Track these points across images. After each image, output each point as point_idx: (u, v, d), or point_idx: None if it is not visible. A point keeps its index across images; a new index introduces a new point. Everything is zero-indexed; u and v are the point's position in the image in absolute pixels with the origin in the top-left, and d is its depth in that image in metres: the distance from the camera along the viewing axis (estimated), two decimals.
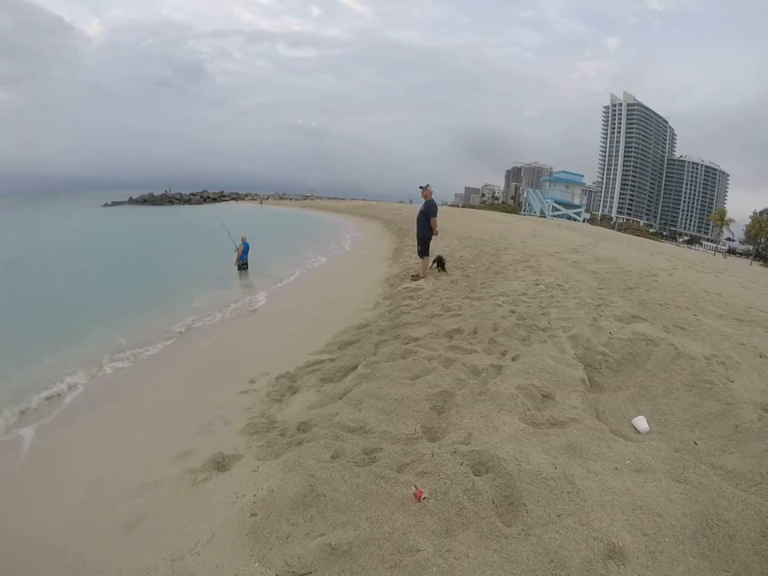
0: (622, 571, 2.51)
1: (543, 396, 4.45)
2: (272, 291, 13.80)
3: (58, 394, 6.75)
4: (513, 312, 7.02)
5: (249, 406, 5.52)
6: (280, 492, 3.21)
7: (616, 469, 3.35)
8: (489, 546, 2.66)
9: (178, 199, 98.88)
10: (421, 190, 11.37)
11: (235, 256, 16.49)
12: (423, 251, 11.85)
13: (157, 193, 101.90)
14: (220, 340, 9.20)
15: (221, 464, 4.12)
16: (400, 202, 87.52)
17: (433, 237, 11.86)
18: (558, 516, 2.86)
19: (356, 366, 5.84)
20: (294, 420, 4.68)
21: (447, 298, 9.01)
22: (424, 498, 2.96)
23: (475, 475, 3.19)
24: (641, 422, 4.35)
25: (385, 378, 5.03)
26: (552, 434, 3.80)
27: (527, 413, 4.15)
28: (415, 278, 11.71)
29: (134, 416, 5.93)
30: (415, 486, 3.05)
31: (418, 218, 11.85)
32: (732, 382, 5.08)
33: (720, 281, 13.92)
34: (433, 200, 11.59)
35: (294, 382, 6.12)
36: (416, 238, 12.25)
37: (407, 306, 8.84)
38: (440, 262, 12.22)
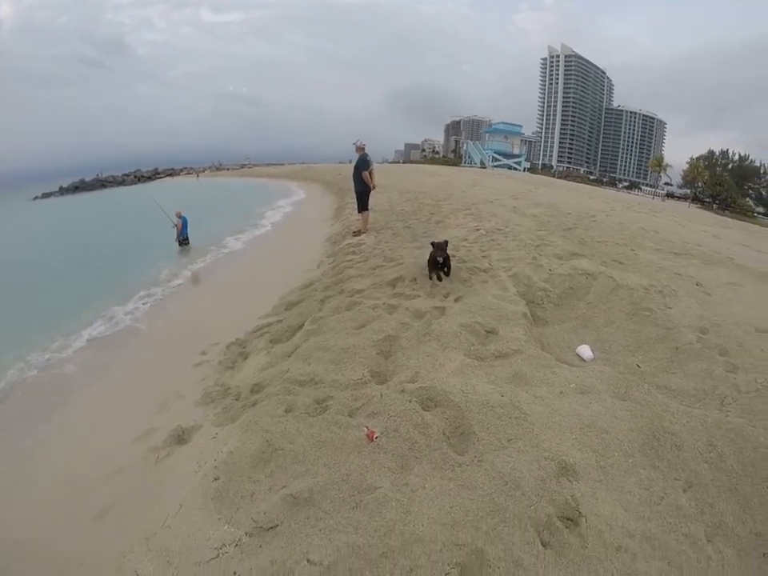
0: (575, 486, 2.65)
1: (487, 332, 4.57)
2: (215, 262, 13.49)
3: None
4: (454, 256, 7.11)
5: (203, 377, 5.44)
6: (239, 453, 3.20)
7: (561, 392, 3.51)
8: (444, 475, 2.75)
9: (110, 182, 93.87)
10: (353, 146, 11.37)
11: (175, 232, 15.94)
12: (361, 206, 11.84)
13: (88, 178, 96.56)
14: (167, 317, 8.96)
15: (181, 437, 4.07)
16: (340, 163, 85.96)
17: (372, 191, 11.82)
18: (509, 440, 2.98)
19: (302, 324, 5.82)
20: (247, 383, 4.65)
21: (389, 249, 9.03)
22: (376, 438, 3.02)
23: (424, 410, 3.27)
24: (585, 351, 4.56)
25: (331, 331, 5.05)
26: (497, 366, 3.93)
27: (472, 348, 4.26)
28: (357, 233, 11.70)
29: (90, 406, 5.75)
30: (367, 428, 3.11)
31: (353, 175, 11.82)
32: (670, 308, 5.37)
33: (658, 220, 14.56)
34: (365, 154, 11.51)
35: (244, 347, 6.07)
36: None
37: (350, 261, 8.82)
38: (443, 265, 6.36)
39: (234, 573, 2.37)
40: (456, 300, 5.47)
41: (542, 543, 2.34)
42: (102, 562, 2.92)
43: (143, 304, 9.80)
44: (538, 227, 9.61)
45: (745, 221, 37.52)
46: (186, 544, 2.66)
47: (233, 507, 2.81)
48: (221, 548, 2.53)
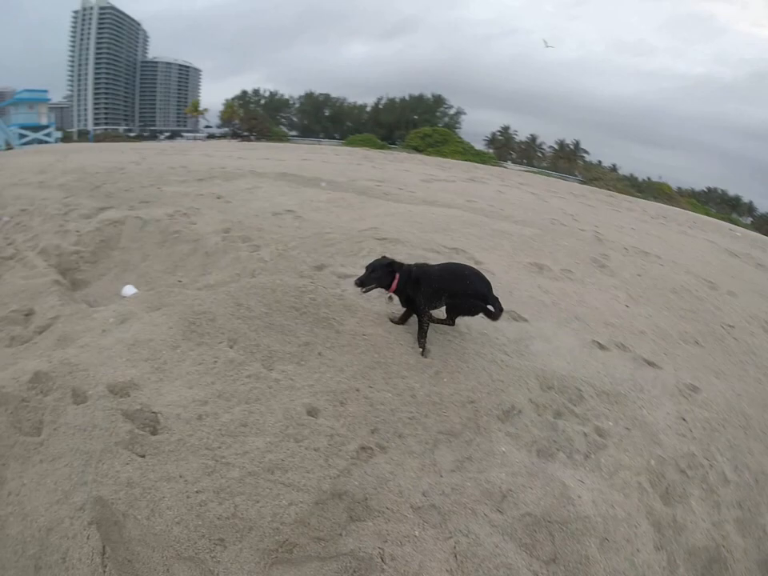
0: (141, 395, 2.94)
1: (26, 315, 4.34)
2: None
3: None
4: None
5: None
6: None
7: (103, 331, 3.69)
8: (33, 461, 2.64)
9: None
10: None
11: None
12: None
13: None
14: None
15: None
16: None
17: None
18: (71, 398, 2.98)
19: None
20: None
21: None
22: None
23: None
24: (127, 290, 4.80)
25: None
26: (41, 340, 3.85)
27: (13, 337, 4.01)
28: None
29: None
30: None
31: None
32: (195, 224, 5.99)
33: (187, 157, 15.38)
34: None
35: None
36: None
37: None
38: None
39: None
40: None
41: (140, 456, 2.57)
42: None
43: None
44: (65, 195, 9.05)
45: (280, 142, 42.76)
46: None
47: None
48: None
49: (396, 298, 3.90)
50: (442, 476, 2.75)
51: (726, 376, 4.36)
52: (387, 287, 3.65)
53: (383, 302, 4.19)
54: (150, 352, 3.35)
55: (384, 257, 3.73)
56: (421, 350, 3.68)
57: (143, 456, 2.58)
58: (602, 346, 4.22)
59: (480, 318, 3.87)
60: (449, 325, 3.91)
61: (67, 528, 2.24)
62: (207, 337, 3.53)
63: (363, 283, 3.57)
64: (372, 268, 3.61)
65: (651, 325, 4.88)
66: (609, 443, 3.18)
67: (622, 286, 5.75)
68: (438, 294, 3.63)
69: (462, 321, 4.00)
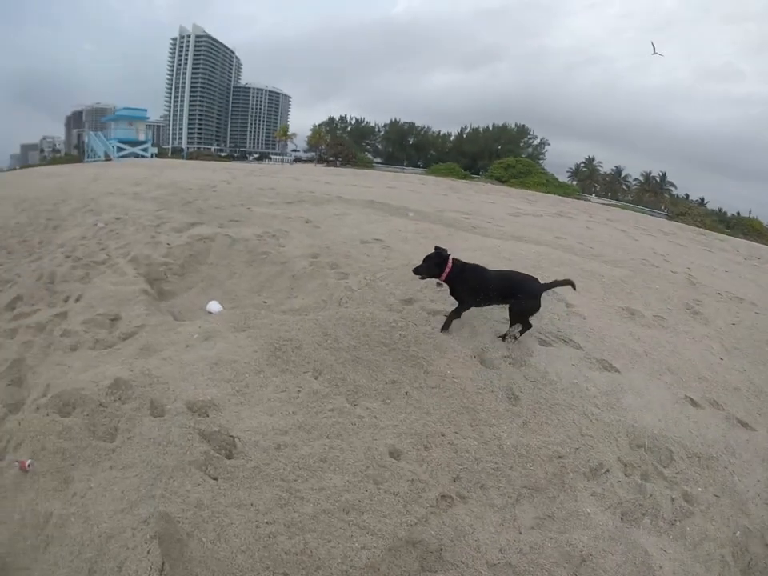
0: (220, 417, 2.93)
1: (111, 320, 4.50)
2: None
3: None
4: (68, 257, 6.64)
5: None
6: None
7: (187, 346, 3.72)
8: (104, 466, 2.67)
9: None
10: None
11: None
12: None
13: None
14: None
15: None
16: None
17: None
18: (156, 408, 3.02)
19: None
20: None
21: (4, 271, 7.91)
22: (29, 466, 2.76)
23: (63, 417, 3.08)
24: (213, 306, 4.85)
25: None
26: (125, 346, 3.93)
27: (98, 340, 4.15)
28: None
29: None
30: (17, 462, 2.80)
31: None
32: (283, 246, 6.06)
33: (275, 180, 15.95)
34: None
35: None
36: None
37: None
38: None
39: None
40: (77, 300, 5.17)
41: (213, 478, 2.54)
42: None
43: None
44: (158, 208, 9.56)
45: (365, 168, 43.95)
46: None
47: None
48: None
49: (446, 287, 4.25)
50: (521, 533, 2.58)
51: None
52: (438, 276, 4.04)
53: (474, 344, 4.02)
54: (232, 373, 3.33)
55: (438, 248, 4.11)
56: (444, 328, 4.12)
57: (216, 479, 2.55)
58: (694, 403, 3.89)
59: (572, 367, 3.91)
60: (524, 326, 4.13)
61: (128, 538, 2.22)
62: (292, 364, 3.48)
63: (419, 271, 4.07)
64: (428, 258, 4.05)
65: (746, 380, 4.45)
66: (696, 510, 2.91)
67: (716, 335, 5.30)
68: (481, 291, 4.03)
69: (553, 368, 3.85)
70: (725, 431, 3.66)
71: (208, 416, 2.94)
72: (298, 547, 2.25)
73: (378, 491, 2.61)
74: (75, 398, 3.21)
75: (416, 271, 4.06)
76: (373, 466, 2.75)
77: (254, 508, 2.40)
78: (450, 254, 4.03)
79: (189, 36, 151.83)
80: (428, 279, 4.39)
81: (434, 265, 4.00)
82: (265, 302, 4.94)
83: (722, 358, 4.81)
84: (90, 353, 3.94)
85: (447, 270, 3.98)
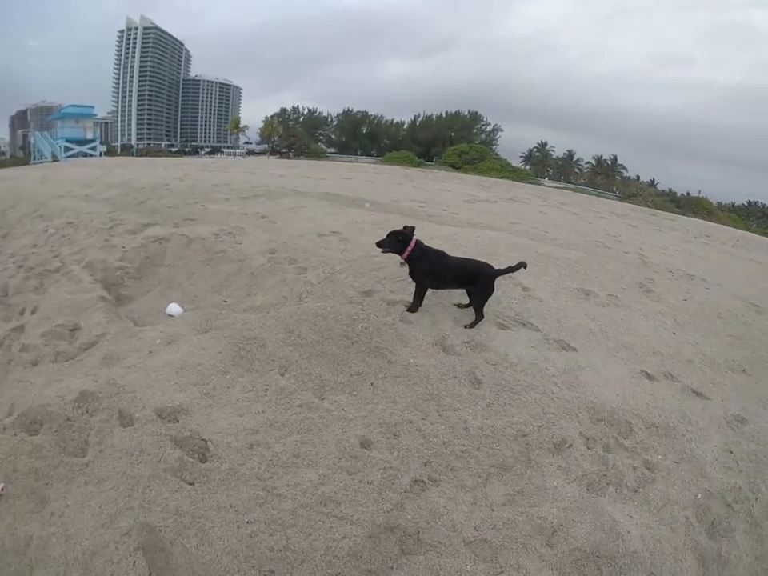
0: (191, 421, 2.93)
1: (71, 330, 4.39)
2: None
3: None
4: (20, 267, 6.43)
5: None
6: None
7: (151, 352, 3.67)
8: (79, 482, 2.63)
9: None
10: None
11: None
12: None
13: None
14: None
15: None
16: None
17: None
18: (117, 419, 2.97)
19: None
20: None
21: None
22: (3, 490, 2.67)
23: (32, 435, 3.00)
24: (173, 309, 4.79)
25: None
26: (87, 357, 3.85)
27: (59, 353, 4.05)
28: None
29: None
30: None
31: None
32: (240, 243, 6.00)
33: (229, 174, 15.70)
34: None
35: None
36: None
37: None
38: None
39: None
40: (33, 312, 5.01)
41: (189, 483, 2.54)
42: None
43: None
44: (110, 210, 9.27)
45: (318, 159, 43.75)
46: None
47: None
48: None
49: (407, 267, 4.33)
50: (493, 510, 2.70)
51: None
52: (400, 253, 4.11)
53: (435, 332, 4.09)
54: (198, 376, 3.32)
55: (406, 227, 4.18)
56: (409, 309, 4.31)
57: (192, 484, 2.55)
58: (650, 376, 4.10)
59: (531, 348, 4.07)
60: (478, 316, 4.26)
61: (112, 553, 2.21)
62: (257, 363, 3.48)
63: (382, 245, 4.11)
64: (392, 234, 4.11)
65: (698, 353, 4.71)
66: (657, 477, 3.10)
67: (668, 311, 5.56)
68: (440, 275, 4.20)
69: (513, 350, 3.98)
70: (680, 401, 3.87)
71: (178, 421, 2.93)
72: (281, 543, 2.30)
73: (352, 481, 2.68)
74: (42, 415, 3.12)
75: (379, 244, 4.12)
76: (345, 458, 2.81)
77: (233, 509, 2.43)
78: (414, 235, 4.12)
79: (136, 28, 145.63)
80: (390, 265, 4.48)
81: (397, 241, 4.08)
82: (225, 302, 4.90)
83: (674, 333, 5.04)
84: (51, 366, 3.87)
85: (410, 249, 4.06)
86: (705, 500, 3.01)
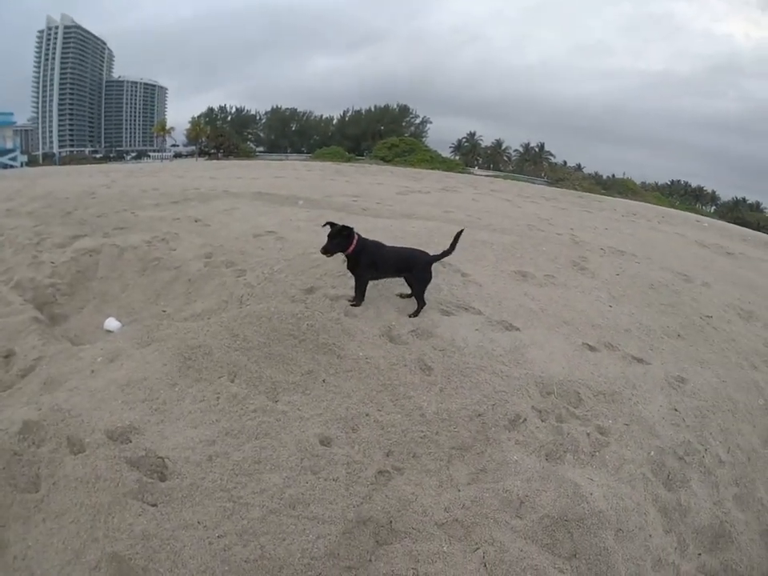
0: (143, 440, 2.79)
1: (5, 357, 4.13)
2: None
3: None
4: None
5: None
6: None
7: (93, 371, 3.49)
8: (29, 519, 2.46)
9: None
10: None
11: None
12: None
13: None
14: None
15: None
16: None
17: None
18: (65, 447, 2.79)
19: None
20: None
21: None
22: None
23: None
24: (111, 323, 4.62)
25: None
26: (26, 384, 3.63)
27: None
28: None
29: None
30: None
31: None
32: (175, 250, 5.83)
33: (157, 179, 15.26)
34: None
35: None
36: None
37: None
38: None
39: None
40: None
41: (152, 505, 2.43)
42: None
43: None
44: (35, 223, 8.77)
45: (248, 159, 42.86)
46: None
47: None
48: None
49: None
50: (460, 490, 2.79)
51: (710, 364, 4.50)
52: (346, 250, 4.07)
53: (381, 323, 4.13)
54: (146, 392, 3.18)
55: (344, 225, 4.09)
56: (352, 303, 4.33)
57: (155, 505, 2.45)
58: (592, 348, 4.34)
59: (476, 331, 4.19)
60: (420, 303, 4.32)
61: None
62: (205, 372, 3.38)
63: (327, 249, 4.03)
64: (333, 235, 4.02)
65: (635, 322, 4.99)
66: (611, 440, 3.29)
67: (603, 286, 5.86)
68: (379, 265, 4.23)
69: (458, 335, 4.09)
70: (623, 368, 4.11)
71: (131, 441, 2.80)
72: (256, 553, 2.26)
73: (318, 480, 2.67)
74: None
75: (324, 250, 4.04)
76: (307, 458, 2.80)
77: (201, 525, 2.35)
78: (354, 228, 4.11)
79: (57, 27, 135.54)
80: (330, 261, 4.49)
81: (344, 238, 4.03)
82: (164, 311, 4.76)
83: (611, 306, 5.31)
84: None
85: (354, 244, 4.06)
86: (658, 456, 3.22)
